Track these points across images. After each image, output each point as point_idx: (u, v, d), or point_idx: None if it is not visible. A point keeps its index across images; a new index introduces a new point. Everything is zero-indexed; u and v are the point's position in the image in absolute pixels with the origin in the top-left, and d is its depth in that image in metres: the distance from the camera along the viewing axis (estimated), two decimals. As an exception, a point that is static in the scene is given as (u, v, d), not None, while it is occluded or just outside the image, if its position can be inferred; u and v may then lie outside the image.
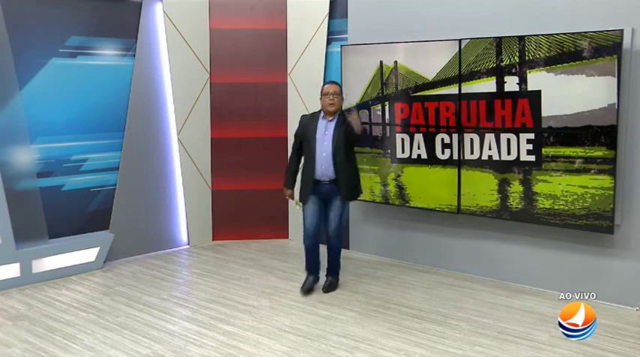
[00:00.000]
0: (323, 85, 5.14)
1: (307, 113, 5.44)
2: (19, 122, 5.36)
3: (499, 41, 5.02)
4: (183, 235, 6.72)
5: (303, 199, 5.10)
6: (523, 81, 4.92)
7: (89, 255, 5.81)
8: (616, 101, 4.51)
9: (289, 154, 5.36)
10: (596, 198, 4.69)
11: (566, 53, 4.70)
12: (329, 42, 6.43)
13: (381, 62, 5.76)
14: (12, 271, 5.31)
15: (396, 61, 5.67)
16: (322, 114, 5.07)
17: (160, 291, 5.28)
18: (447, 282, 5.44)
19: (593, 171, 4.68)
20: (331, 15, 6.39)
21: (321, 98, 5.08)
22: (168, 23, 6.31)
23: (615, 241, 4.80)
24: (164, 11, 6.29)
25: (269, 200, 6.72)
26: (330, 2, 6.36)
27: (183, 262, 6.24)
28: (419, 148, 5.61)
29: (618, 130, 4.56)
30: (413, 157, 5.66)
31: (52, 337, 4.30)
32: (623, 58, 4.52)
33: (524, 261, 5.29)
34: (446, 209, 5.51)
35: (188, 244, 6.73)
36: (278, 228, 6.86)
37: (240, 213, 6.82)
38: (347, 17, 6.26)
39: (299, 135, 5.18)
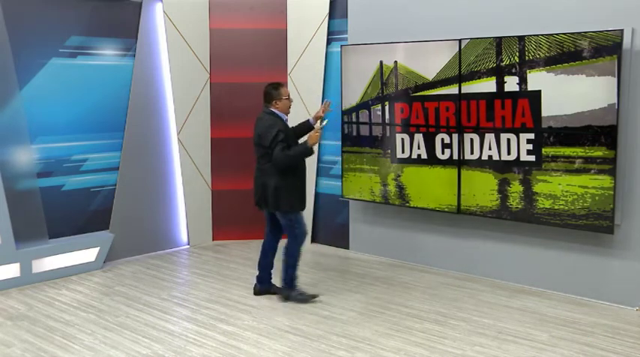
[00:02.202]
0: (280, 88, 4.85)
1: (264, 116, 4.86)
2: (19, 122, 5.36)
3: (499, 41, 5.02)
4: (183, 235, 6.72)
5: (302, 207, 4.90)
6: (523, 81, 4.92)
7: (89, 255, 5.81)
8: (616, 101, 4.51)
9: (286, 153, 4.66)
10: (596, 198, 4.69)
11: (566, 53, 4.70)
12: (329, 42, 6.44)
13: (381, 62, 5.76)
14: (12, 271, 5.31)
15: (396, 61, 5.67)
16: (285, 117, 4.86)
17: (160, 291, 5.28)
18: (447, 282, 5.44)
19: (593, 171, 4.68)
20: (331, 15, 6.39)
21: (279, 100, 4.82)
22: (168, 23, 6.31)
23: (615, 241, 4.80)
24: (164, 11, 6.29)
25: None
26: (330, 2, 6.36)
27: (183, 262, 6.24)
28: (419, 148, 5.61)
29: (618, 130, 4.56)
30: (413, 157, 5.66)
31: (52, 337, 4.30)
32: (623, 58, 4.52)
33: (524, 261, 5.28)
34: (446, 209, 5.51)
35: (188, 244, 6.73)
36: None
37: (240, 213, 6.81)
38: (347, 17, 6.26)
39: (284, 134, 4.72)
